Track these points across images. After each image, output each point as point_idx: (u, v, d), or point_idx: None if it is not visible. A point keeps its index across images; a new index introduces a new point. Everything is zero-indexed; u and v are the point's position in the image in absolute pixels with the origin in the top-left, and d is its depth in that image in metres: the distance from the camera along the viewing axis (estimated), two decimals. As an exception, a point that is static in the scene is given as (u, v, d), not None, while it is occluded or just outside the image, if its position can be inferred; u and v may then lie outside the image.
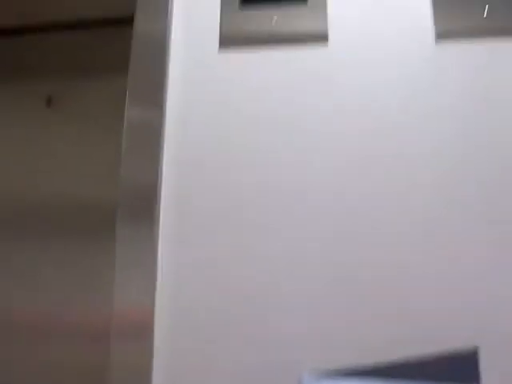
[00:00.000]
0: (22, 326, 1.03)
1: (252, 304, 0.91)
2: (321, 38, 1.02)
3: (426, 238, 0.91)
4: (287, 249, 0.93)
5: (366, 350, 0.87)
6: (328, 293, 0.90)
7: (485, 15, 1.00)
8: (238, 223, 0.95)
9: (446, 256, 0.90)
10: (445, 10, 1.01)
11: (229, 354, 0.89)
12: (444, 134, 0.96)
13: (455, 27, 1.00)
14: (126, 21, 1.04)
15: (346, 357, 0.87)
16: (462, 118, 0.97)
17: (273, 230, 0.94)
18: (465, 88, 0.98)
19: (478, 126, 0.96)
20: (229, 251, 0.94)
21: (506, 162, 0.94)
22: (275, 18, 1.03)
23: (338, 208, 0.94)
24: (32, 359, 1.01)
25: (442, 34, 1.01)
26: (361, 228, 0.93)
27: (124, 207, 0.95)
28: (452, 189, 0.94)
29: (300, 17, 1.03)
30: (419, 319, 0.88)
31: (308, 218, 0.94)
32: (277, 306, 0.90)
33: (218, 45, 1.04)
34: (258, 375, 0.87)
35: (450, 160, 0.95)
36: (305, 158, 0.97)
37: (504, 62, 0.99)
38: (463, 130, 0.96)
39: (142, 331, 0.88)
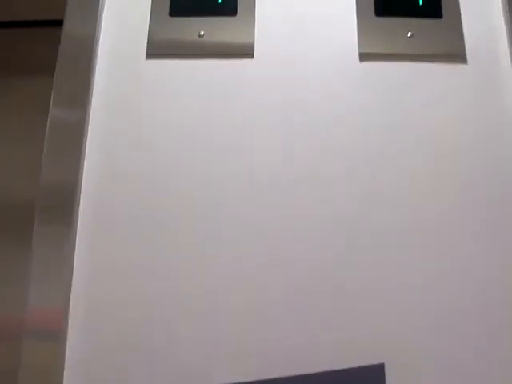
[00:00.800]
0: None
1: (164, 307, 0.91)
2: (247, 50, 1.03)
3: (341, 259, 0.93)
4: (200, 256, 0.93)
5: (273, 363, 0.88)
6: (239, 304, 0.91)
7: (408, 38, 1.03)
8: (158, 228, 0.95)
9: (355, 277, 0.92)
10: (369, 31, 1.04)
11: (144, 355, 0.88)
12: (368, 149, 0.98)
13: (378, 48, 1.03)
14: (57, 23, 1.04)
15: (255, 370, 0.87)
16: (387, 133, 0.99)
17: (189, 236, 0.94)
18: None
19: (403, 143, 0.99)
20: (147, 255, 0.93)
21: (420, 179, 0.97)
22: (204, 27, 1.04)
23: (252, 218, 0.95)
24: None
25: (366, 54, 1.03)
26: (275, 237, 0.94)
27: (42, 207, 0.93)
28: (369, 213, 0.95)
29: (228, 28, 1.04)
30: (330, 336, 0.89)
31: (223, 226, 0.95)
32: (188, 315, 0.90)
33: (145, 51, 1.04)
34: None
35: (368, 176, 0.97)
36: (222, 168, 0.98)
37: (424, 83, 1.02)
38: (388, 144, 0.99)
39: (55, 332, 0.87)
